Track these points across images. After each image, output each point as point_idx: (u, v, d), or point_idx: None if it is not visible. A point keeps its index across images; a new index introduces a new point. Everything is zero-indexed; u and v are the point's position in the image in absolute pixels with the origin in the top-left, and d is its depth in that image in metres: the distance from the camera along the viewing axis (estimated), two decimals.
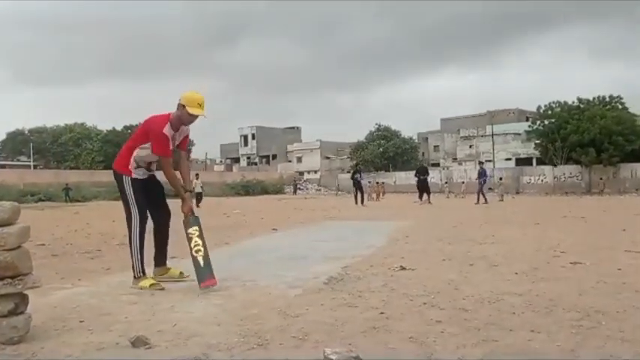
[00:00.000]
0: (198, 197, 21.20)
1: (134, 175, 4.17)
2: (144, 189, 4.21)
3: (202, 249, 4.09)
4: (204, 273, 4.03)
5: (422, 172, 22.08)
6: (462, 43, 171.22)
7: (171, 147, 4.14)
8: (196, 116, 4.13)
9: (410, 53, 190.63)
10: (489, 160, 48.33)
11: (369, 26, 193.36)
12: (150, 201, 4.25)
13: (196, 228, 4.14)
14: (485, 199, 20.84)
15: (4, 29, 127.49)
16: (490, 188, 35.62)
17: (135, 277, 4.14)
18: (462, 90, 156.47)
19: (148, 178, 4.30)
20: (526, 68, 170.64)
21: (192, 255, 4.09)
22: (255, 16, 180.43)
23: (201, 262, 4.04)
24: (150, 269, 4.34)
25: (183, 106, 4.08)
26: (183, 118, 4.13)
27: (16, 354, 2.51)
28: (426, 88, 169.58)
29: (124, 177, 4.16)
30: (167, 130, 4.07)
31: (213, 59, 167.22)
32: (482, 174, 21.76)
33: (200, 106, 4.10)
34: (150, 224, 4.28)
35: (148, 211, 4.22)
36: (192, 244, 4.09)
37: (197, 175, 22.17)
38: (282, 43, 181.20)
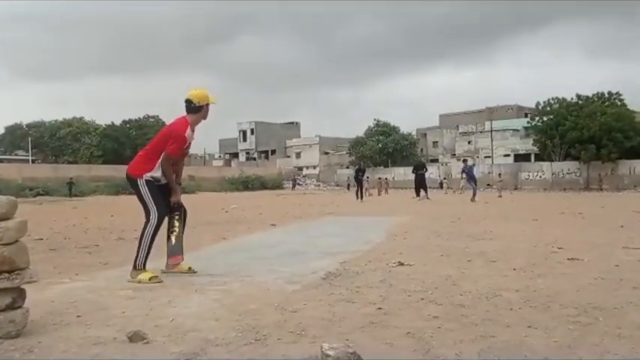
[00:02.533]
0: None
1: (147, 177, 4.29)
2: (159, 188, 4.35)
3: (177, 230, 4.49)
4: (174, 250, 4.48)
5: (419, 168, 22.26)
6: (459, 40, 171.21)
7: (186, 148, 4.47)
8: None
9: (408, 50, 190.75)
10: (488, 157, 48.34)
11: (367, 24, 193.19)
12: (167, 203, 4.41)
13: (178, 213, 4.52)
14: (460, 191, 21.01)
15: (1, 25, 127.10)
16: (488, 184, 35.77)
17: (135, 267, 4.19)
18: (459, 87, 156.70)
19: (161, 181, 4.42)
20: (523, 66, 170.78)
21: (167, 234, 4.49)
22: (254, 13, 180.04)
23: (173, 240, 4.48)
24: (161, 261, 4.47)
25: (206, 105, 4.44)
26: (205, 114, 4.50)
27: (14, 348, 2.51)
28: (424, 84, 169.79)
29: (137, 180, 4.30)
30: (188, 133, 4.36)
31: (211, 56, 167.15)
32: (469, 172, 21.66)
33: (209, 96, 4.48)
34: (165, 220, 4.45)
35: (166, 211, 4.37)
36: (170, 225, 4.49)
37: None
38: (281, 39, 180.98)
